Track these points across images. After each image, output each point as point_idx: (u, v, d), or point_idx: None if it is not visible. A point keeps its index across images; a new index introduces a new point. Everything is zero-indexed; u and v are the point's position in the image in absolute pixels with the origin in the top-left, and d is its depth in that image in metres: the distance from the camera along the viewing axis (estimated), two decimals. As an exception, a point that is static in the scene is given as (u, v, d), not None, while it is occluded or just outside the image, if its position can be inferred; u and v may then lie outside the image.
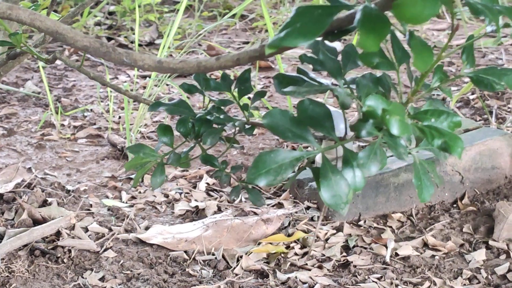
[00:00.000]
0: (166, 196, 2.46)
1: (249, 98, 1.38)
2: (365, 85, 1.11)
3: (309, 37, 0.92)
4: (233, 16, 4.46)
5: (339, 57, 1.18)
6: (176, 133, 1.32)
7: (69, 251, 2.08)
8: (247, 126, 1.29)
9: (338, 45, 3.46)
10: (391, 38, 1.05)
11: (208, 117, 1.22)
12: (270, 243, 2.15)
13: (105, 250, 2.11)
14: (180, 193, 2.47)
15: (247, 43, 4.18)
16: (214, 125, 1.28)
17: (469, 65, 1.04)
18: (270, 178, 1.03)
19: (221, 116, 1.22)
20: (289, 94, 1.09)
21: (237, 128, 1.28)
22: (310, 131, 1.06)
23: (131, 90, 3.20)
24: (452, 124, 1.00)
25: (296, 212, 2.29)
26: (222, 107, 1.29)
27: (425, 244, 2.16)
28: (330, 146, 1.09)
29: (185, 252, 2.12)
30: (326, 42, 1.17)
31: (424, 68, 0.93)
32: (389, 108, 0.92)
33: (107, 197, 2.45)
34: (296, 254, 2.12)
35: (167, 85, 3.35)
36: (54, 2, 1.50)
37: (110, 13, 4.55)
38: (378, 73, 1.16)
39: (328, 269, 2.04)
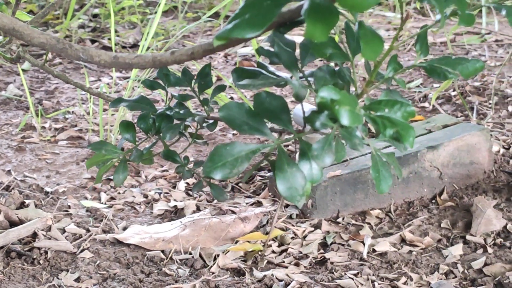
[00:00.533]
0: (146, 196, 2.46)
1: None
2: (322, 77, 1.11)
3: (257, 29, 0.92)
4: (218, 17, 4.45)
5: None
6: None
7: (46, 252, 2.07)
8: (210, 121, 1.29)
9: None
10: (346, 29, 1.05)
11: (168, 112, 1.22)
12: (248, 241, 2.15)
13: (81, 251, 2.10)
14: (160, 193, 2.47)
15: (231, 43, 4.17)
16: (177, 121, 1.28)
17: (422, 55, 1.04)
18: (226, 171, 1.02)
19: (181, 111, 1.22)
20: (245, 88, 1.09)
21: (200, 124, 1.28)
22: (266, 124, 1.06)
23: (111, 92, 3.20)
24: (406, 114, 1.00)
25: (274, 210, 2.28)
26: (185, 103, 1.29)
27: (403, 240, 2.16)
28: (287, 138, 1.08)
29: (162, 251, 2.11)
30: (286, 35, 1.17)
31: (373, 57, 0.93)
32: (338, 98, 0.92)
33: (86, 198, 2.45)
34: (273, 251, 2.12)
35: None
36: (19, 2, 1.50)
37: (94, 16, 4.55)
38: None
39: (305, 266, 2.04)
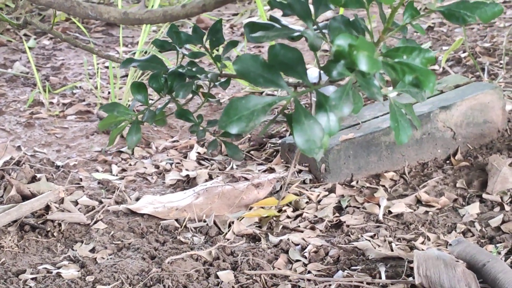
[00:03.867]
0: (157, 167, 2.44)
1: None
2: (337, 27, 1.08)
3: (271, -26, 0.90)
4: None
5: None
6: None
7: (59, 224, 2.06)
8: (222, 79, 1.27)
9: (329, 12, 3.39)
10: (360, -25, 1.02)
11: (180, 70, 1.20)
12: (262, 208, 2.13)
13: (95, 222, 2.09)
14: (171, 164, 2.45)
15: (236, 14, 4.14)
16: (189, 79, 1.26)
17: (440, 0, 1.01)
18: (242, 125, 1.00)
19: (194, 69, 1.20)
20: (259, 40, 1.06)
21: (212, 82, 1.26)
22: (281, 76, 1.04)
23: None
24: (425, 60, 0.97)
25: (287, 176, 2.26)
26: (196, 61, 1.27)
27: (418, 201, 2.14)
28: (303, 91, 1.06)
29: (176, 220, 2.10)
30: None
31: (390, 1, 0.90)
32: (356, 44, 0.89)
33: (97, 171, 2.43)
34: (288, 217, 2.10)
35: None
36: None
37: (98, -9, 4.51)
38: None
39: (320, 230, 2.02)
